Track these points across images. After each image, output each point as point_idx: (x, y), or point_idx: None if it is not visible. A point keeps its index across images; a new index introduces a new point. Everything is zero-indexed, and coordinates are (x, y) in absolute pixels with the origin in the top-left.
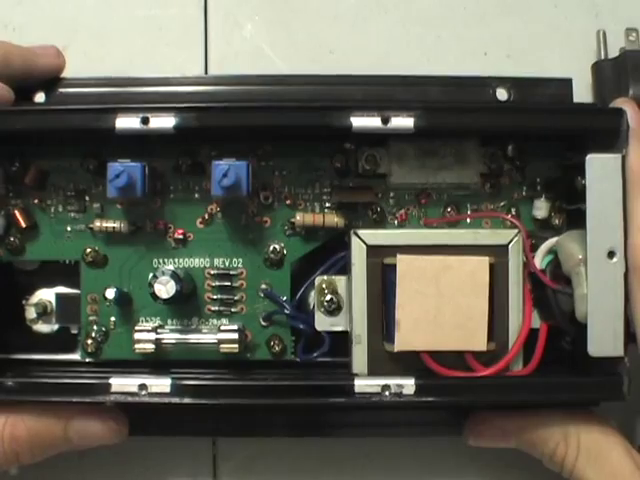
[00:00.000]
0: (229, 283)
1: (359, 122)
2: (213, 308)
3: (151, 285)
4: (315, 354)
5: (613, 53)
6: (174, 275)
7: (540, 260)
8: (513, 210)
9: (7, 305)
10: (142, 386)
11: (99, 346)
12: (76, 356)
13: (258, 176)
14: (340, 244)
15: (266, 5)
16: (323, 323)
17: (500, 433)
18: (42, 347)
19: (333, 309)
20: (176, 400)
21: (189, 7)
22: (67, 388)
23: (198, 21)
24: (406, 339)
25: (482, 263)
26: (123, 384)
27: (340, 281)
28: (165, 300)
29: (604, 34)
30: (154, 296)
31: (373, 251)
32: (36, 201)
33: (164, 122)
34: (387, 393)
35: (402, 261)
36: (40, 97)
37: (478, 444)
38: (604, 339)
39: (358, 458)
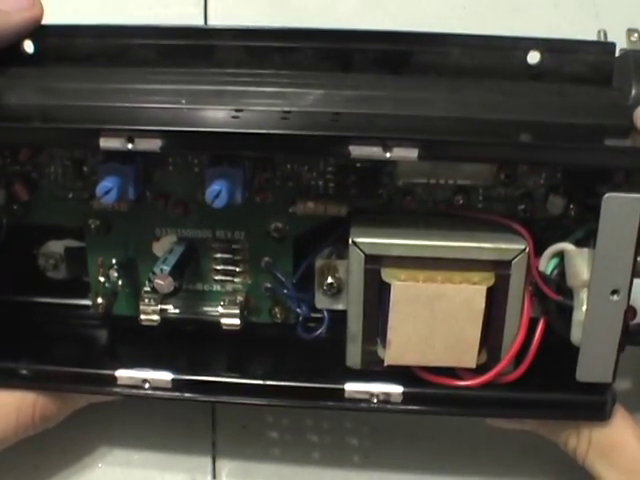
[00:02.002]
0: (231, 255)
1: (358, 151)
2: (217, 277)
3: (151, 281)
4: (316, 333)
5: None
6: (173, 271)
7: (545, 264)
8: (527, 201)
9: (22, 254)
10: (144, 380)
11: (109, 304)
12: (87, 301)
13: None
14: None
15: (266, 5)
16: (323, 302)
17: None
18: (55, 292)
19: (333, 293)
20: (176, 395)
21: (189, 7)
22: (76, 377)
23: (198, 21)
24: (396, 355)
25: (478, 292)
26: (128, 376)
27: (342, 265)
28: (165, 294)
29: (604, 34)
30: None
31: (371, 260)
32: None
33: (149, 143)
34: (375, 400)
35: (397, 287)
36: (29, 46)
37: (496, 424)
38: (594, 367)
39: (358, 459)
